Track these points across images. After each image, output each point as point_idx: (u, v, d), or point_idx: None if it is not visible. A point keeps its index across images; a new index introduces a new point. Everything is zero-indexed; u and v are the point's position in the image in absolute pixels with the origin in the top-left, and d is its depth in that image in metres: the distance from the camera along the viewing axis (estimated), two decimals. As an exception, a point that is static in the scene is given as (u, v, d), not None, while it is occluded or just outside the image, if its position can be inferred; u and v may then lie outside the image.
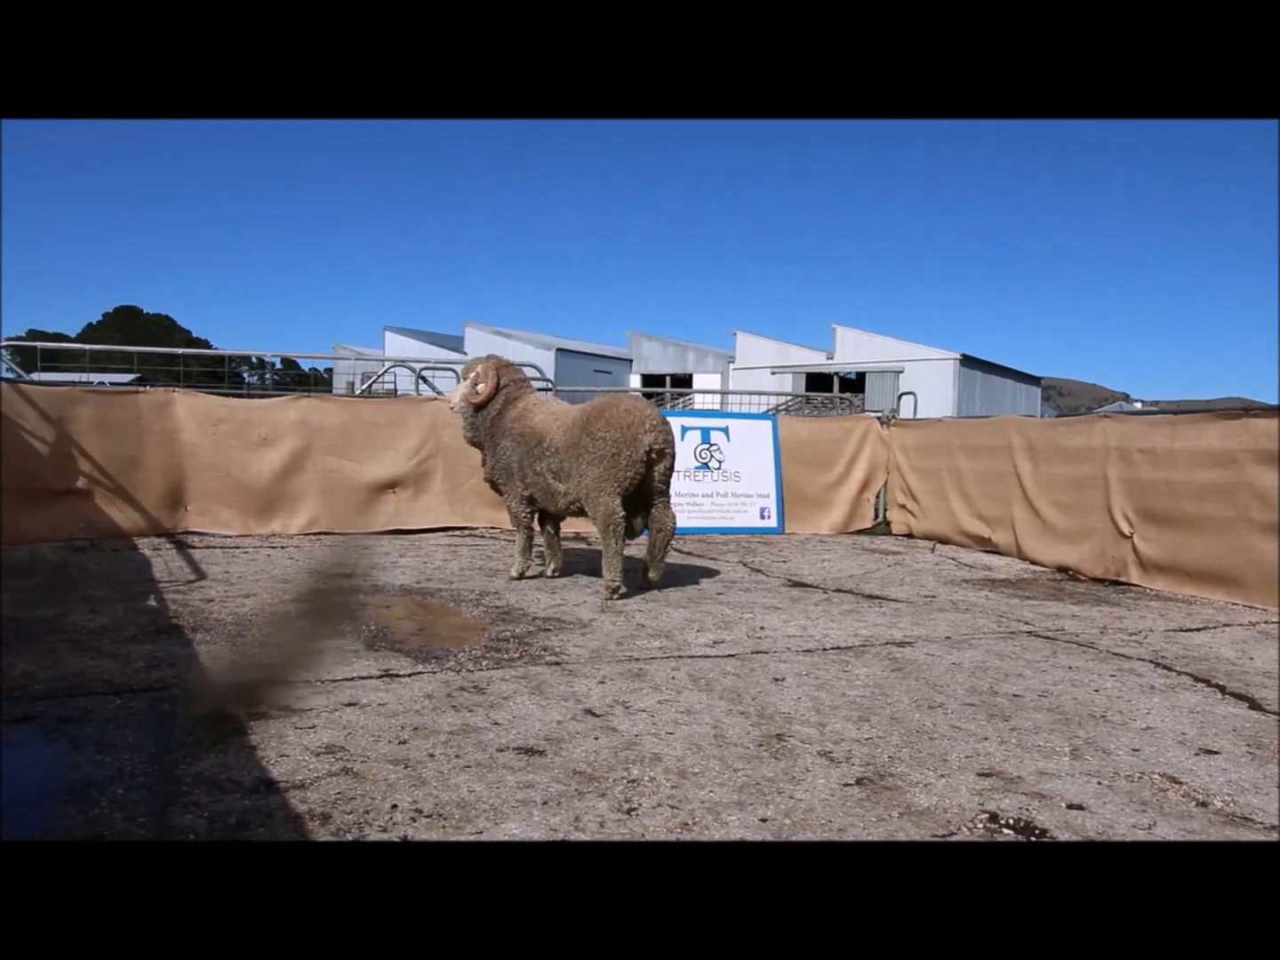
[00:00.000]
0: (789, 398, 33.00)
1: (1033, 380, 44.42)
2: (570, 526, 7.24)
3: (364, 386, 14.09)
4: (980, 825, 2.64)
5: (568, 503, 6.17)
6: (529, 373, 11.88)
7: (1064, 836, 2.58)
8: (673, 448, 6.10)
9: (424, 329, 49.22)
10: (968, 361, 37.06)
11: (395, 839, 2.43)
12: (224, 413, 8.53)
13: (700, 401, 28.87)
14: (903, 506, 10.23)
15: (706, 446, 9.85)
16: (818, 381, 39.88)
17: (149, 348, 11.22)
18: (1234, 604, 6.19)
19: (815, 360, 40.27)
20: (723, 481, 9.88)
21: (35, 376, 9.49)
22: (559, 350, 41.42)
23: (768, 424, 10.34)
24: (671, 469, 6.14)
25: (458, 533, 9.03)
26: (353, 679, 3.87)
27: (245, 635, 4.60)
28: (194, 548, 7.62)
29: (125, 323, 79.89)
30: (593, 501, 5.90)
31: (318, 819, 2.52)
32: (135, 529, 8.02)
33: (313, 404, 8.89)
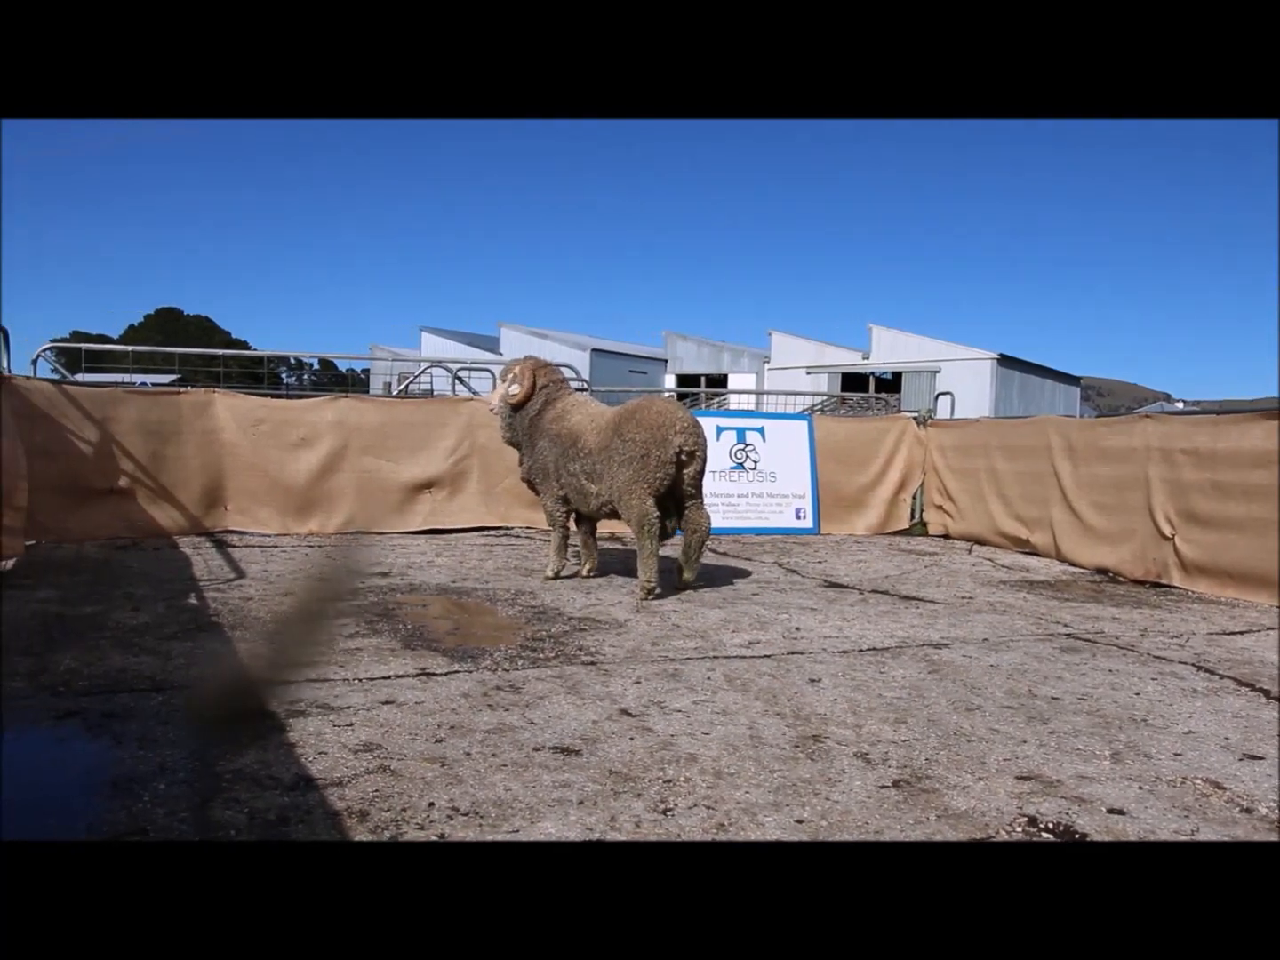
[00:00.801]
0: (824, 398, 32.89)
1: (1072, 380, 43.97)
2: (605, 527, 7.24)
3: (401, 387, 14.17)
4: (1019, 829, 2.61)
5: (599, 504, 6.19)
6: (565, 373, 11.95)
7: (1104, 841, 2.55)
8: (704, 450, 6.08)
9: (460, 329, 49.45)
10: (1005, 361, 36.74)
11: (432, 837, 2.45)
12: (263, 413, 8.62)
13: (735, 402, 28.81)
14: (939, 507, 10.16)
15: (742, 447, 9.84)
16: (853, 381, 39.67)
17: (189, 349, 11.35)
18: (1277, 606, 6.09)
19: (851, 360, 40.10)
20: (758, 482, 9.86)
21: (79, 377, 9.62)
22: (594, 350, 41.48)
23: (803, 424, 10.30)
24: (703, 471, 6.13)
25: (493, 532, 9.07)
26: (389, 677, 3.90)
27: (239, 635, 4.63)
28: (233, 546, 7.70)
29: (166, 324, 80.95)
30: (625, 503, 5.91)
31: (355, 816, 2.54)
32: (176, 528, 8.12)
33: (350, 404, 8.96)
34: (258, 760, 2.93)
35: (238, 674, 3.97)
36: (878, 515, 10.24)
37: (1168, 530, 6.98)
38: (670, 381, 44.43)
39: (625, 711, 3.56)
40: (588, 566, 6.72)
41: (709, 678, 4.07)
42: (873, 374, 39.66)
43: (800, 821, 2.62)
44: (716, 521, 9.47)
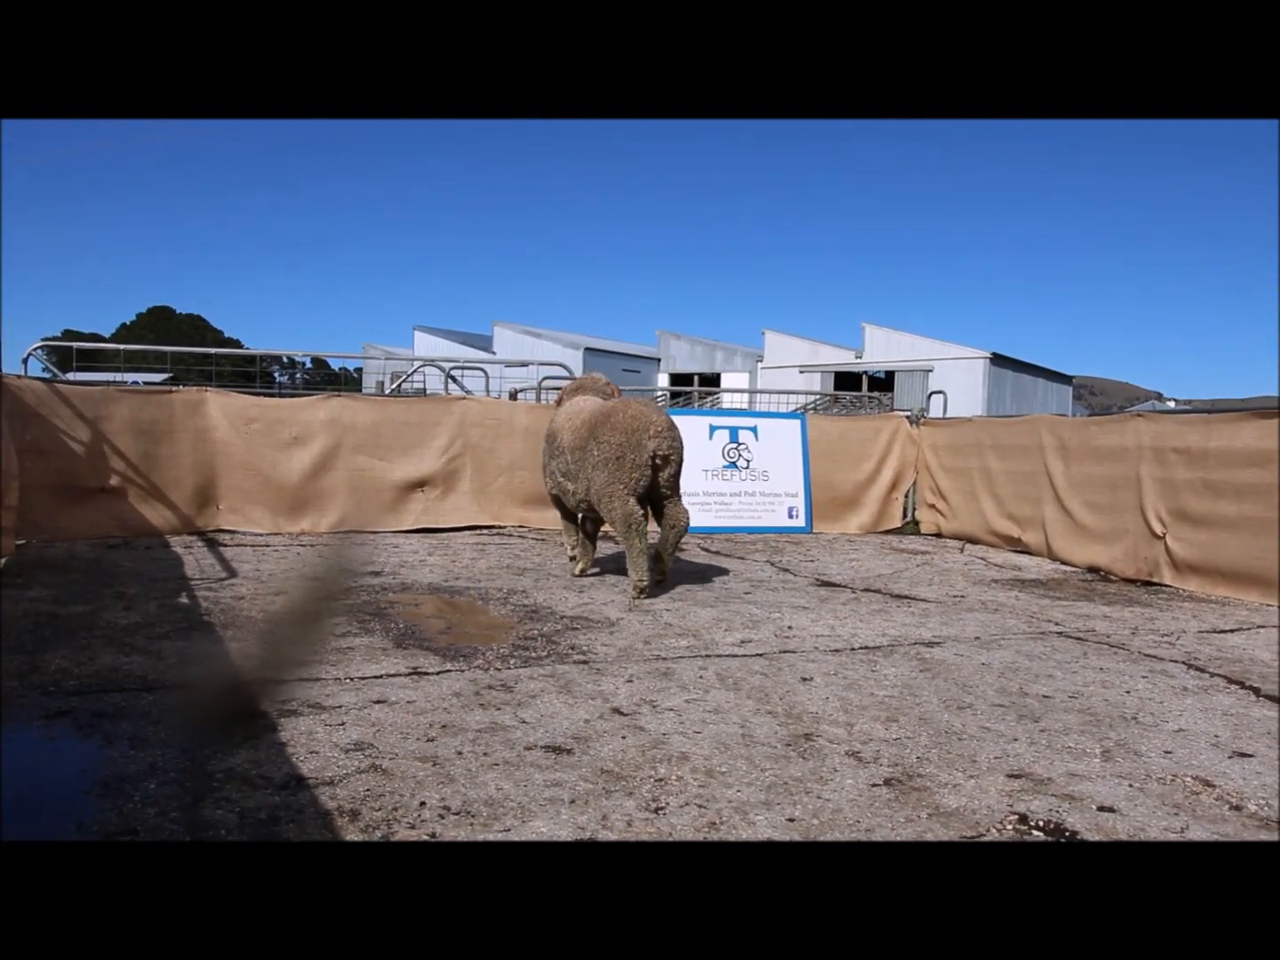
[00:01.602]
0: (817, 397, 32.94)
1: (1064, 379, 44.01)
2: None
3: (394, 386, 14.17)
4: (1010, 827, 2.62)
5: (576, 502, 6.32)
6: (558, 372, 11.96)
7: (1095, 839, 2.56)
8: (680, 452, 6.12)
9: (453, 328, 49.32)
10: (998, 360, 36.75)
11: (424, 836, 2.45)
12: (255, 412, 8.60)
13: (728, 401, 28.82)
14: (932, 506, 10.17)
15: (735, 446, 9.84)
16: (846, 380, 39.67)
17: (182, 347, 11.33)
18: (1269, 605, 6.12)
19: (844, 359, 40.07)
20: (751, 481, 9.86)
21: (71, 376, 9.60)
22: (587, 349, 41.40)
23: (796, 423, 10.31)
24: (678, 473, 6.17)
25: (486, 531, 9.07)
26: (381, 676, 3.90)
27: (234, 636, 4.63)
28: (225, 546, 7.69)
29: (158, 323, 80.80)
30: (606, 505, 5.96)
31: (347, 815, 2.54)
32: (168, 527, 8.11)
33: (343, 403, 8.95)
34: (249, 760, 2.92)
35: (233, 674, 3.97)
36: (870, 514, 10.25)
37: (1159, 529, 7.00)
38: (664, 380, 44.39)
39: (617, 710, 3.56)
40: (580, 566, 6.72)
41: (701, 676, 4.07)
42: (866, 373, 39.66)
43: (792, 820, 2.62)
44: (709, 520, 9.56)
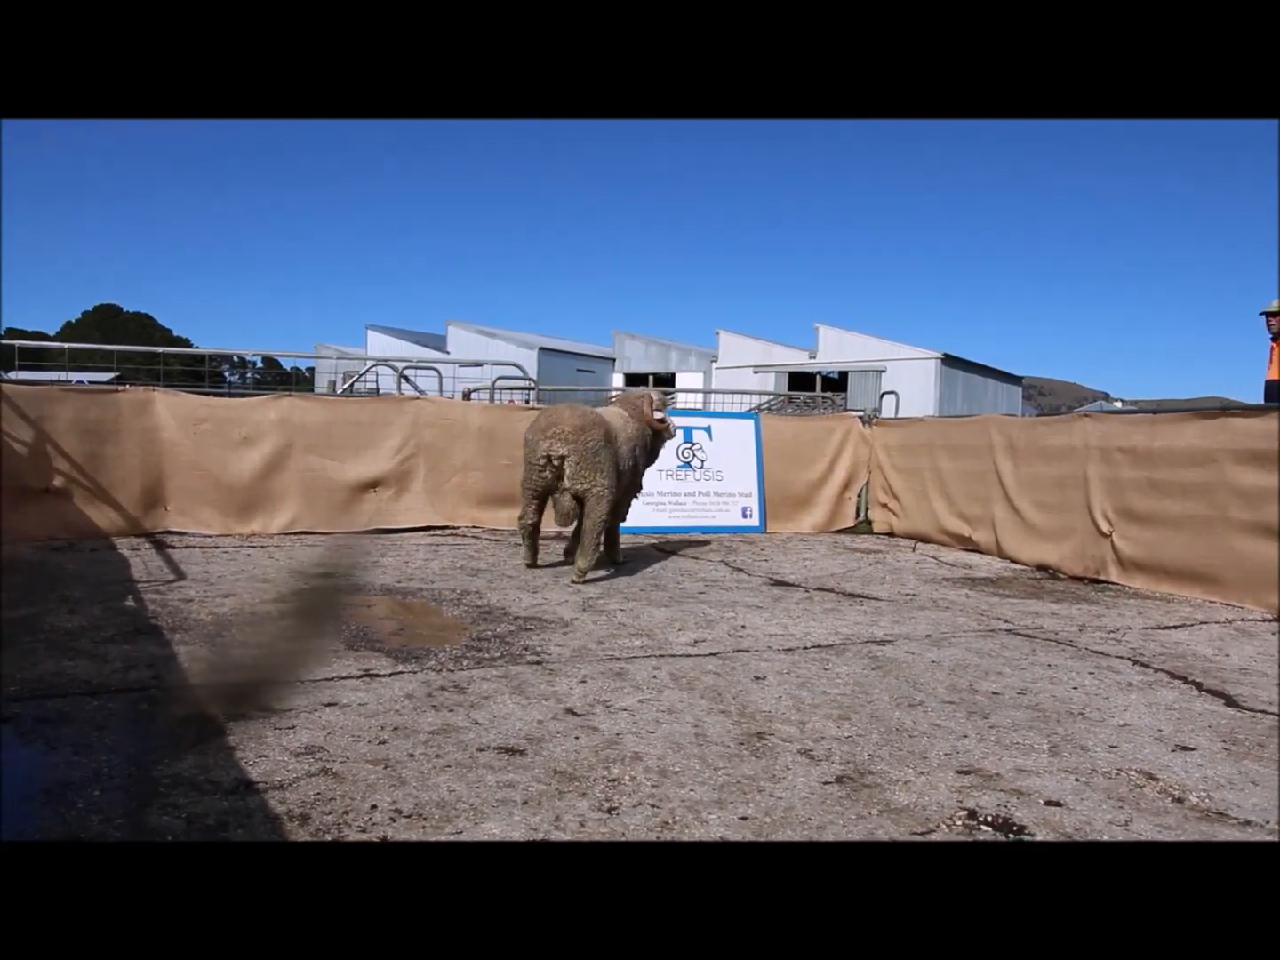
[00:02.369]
0: (771, 397, 33.06)
1: (1014, 380, 44.56)
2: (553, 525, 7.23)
3: (346, 385, 14.04)
4: (959, 822, 2.65)
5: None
6: (512, 372, 11.91)
7: (1042, 833, 2.59)
8: (579, 452, 6.34)
9: (407, 328, 48.97)
10: (949, 361, 37.13)
11: (374, 839, 2.43)
12: (205, 412, 8.48)
13: (683, 401, 28.84)
14: (884, 505, 10.26)
15: (689, 446, 9.85)
16: (800, 381, 39.87)
17: (129, 346, 11.14)
18: (1211, 602, 6.24)
19: (798, 359, 40.28)
20: (705, 480, 9.88)
21: (14, 375, 9.41)
22: (542, 349, 41.27)
23: (750, 423, 10.35)
24: (578, 473, 6.36)
25: (439, 532, 9.01)
26: (332, 679, 3.86)
27: (230, 636, 4.57)
28: (173, 548, 7.58)
29: (104, 321, 79.40)
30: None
31: (296, 820, 2.52)
32: (114, 529, 7.97)
33: (294, 403, 8.84)
34: (196, 765, 2.88)
35: (223, 676, 3.97)
36: (824, 514, 10.32)
37: (1106, 527, 7.12)
38: (619, 380, 44.36)
39: (571, 711, 3.56)
40: (528, 561, 6.95)
41: (655, 676, 4.08)
42: (819, 373, 39.90)
43: (744, 819, 2.63)
44: (663, 520, 9.57)
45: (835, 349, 39.04)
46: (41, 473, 7.67)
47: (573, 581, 6.39)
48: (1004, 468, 8.35)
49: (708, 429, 10.02)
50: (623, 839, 2.48)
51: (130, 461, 8.13)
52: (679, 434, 7.66)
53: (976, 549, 8.74)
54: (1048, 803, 2.81)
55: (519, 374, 12.26)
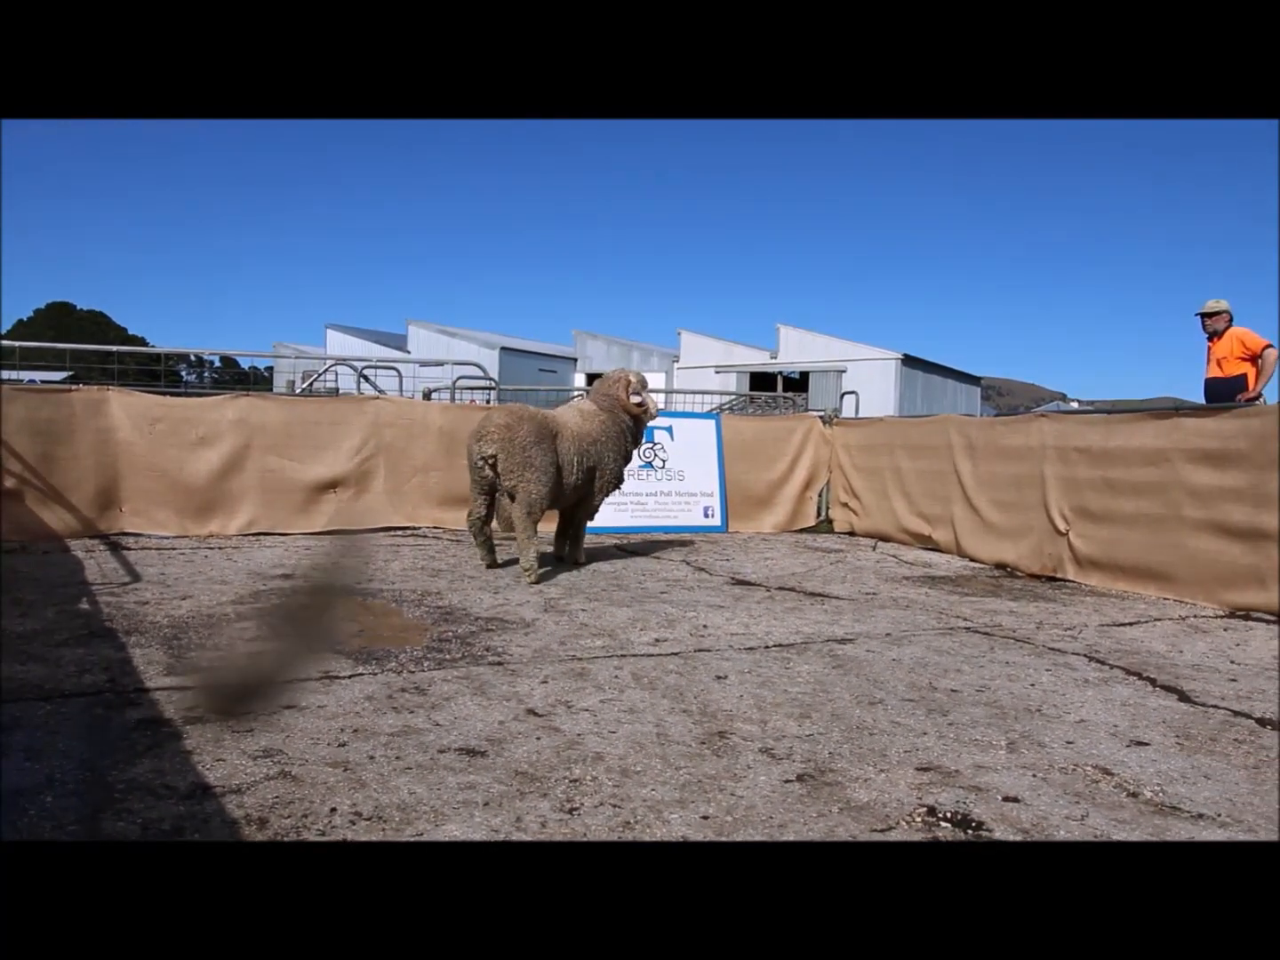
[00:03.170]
0: (733, 397, 33.15)
1: (973, 380, 44.97)
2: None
3: (305, 385, 13.91)
4: (919, 819, 2.67)
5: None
6: (473, 372, 11.86)
7: (1000, 828, 2.62)
8: (506, 448, 6.44)
9: (367, 327, 48.62)
10: (909, 361, 37.41)
11: (334, 841, 2.40)
12: (160, 411, 8.37)
13: (645, 400, 28.77)
14: (845, 505, 10.32)
15: (651, 446, 9.85)
16: (761, 381, 39.99)
17: (82, 345, 10.97)
18: (1165, 599, 6.34)
19: (759, 360, 40.41)
20: (666, 480, 9.89)
21: (-37, 374, 9.23)
22: (503, 349, 41.12)
23: (711, 423, 10.37)
24: (510, 469, 6.46)
25: (400, 532, 8.95)
26: (291, 681, 3.82)
27: (228, 638, 4.52)
28: (129, 549, 7.47)
29: (57, 319, 78.12)
30: None
31: (254, 824, 2.49)
32: (67, 530, 7.84)
33: (252, 402, 8.75)
34: (152, 769, 2.84)
35: (220, 677, 3.95)
36: (785, 513, 10.36)
37: (1062, 526, 7.20)
38: (580, 380, 44.28)
39: (532, 711, 3.55)
40: (487, 561, 7.02)
41: (616, 676, 4.07)
42: (780, 373, 40.05)
43: (706, 818, 2.64)
44: (625, 520, 9.58)
45: (796, 349, 39.22)
46: (-8, 473, 7.54)
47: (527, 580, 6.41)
48: (963, 467, 8.43)
49: (669, 429, 10.03)
50: (584, 839, 2.48)
51: (84, 462, 8.01)
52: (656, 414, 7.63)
53: (936, 548, 8.82)
54: (1006, 799, 2.84)
55: (480, 374, 12.21)
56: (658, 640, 4.79)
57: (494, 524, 7.01)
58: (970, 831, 2.60)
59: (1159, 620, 5.69)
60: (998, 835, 2.58)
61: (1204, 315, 8.52)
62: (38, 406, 7.85)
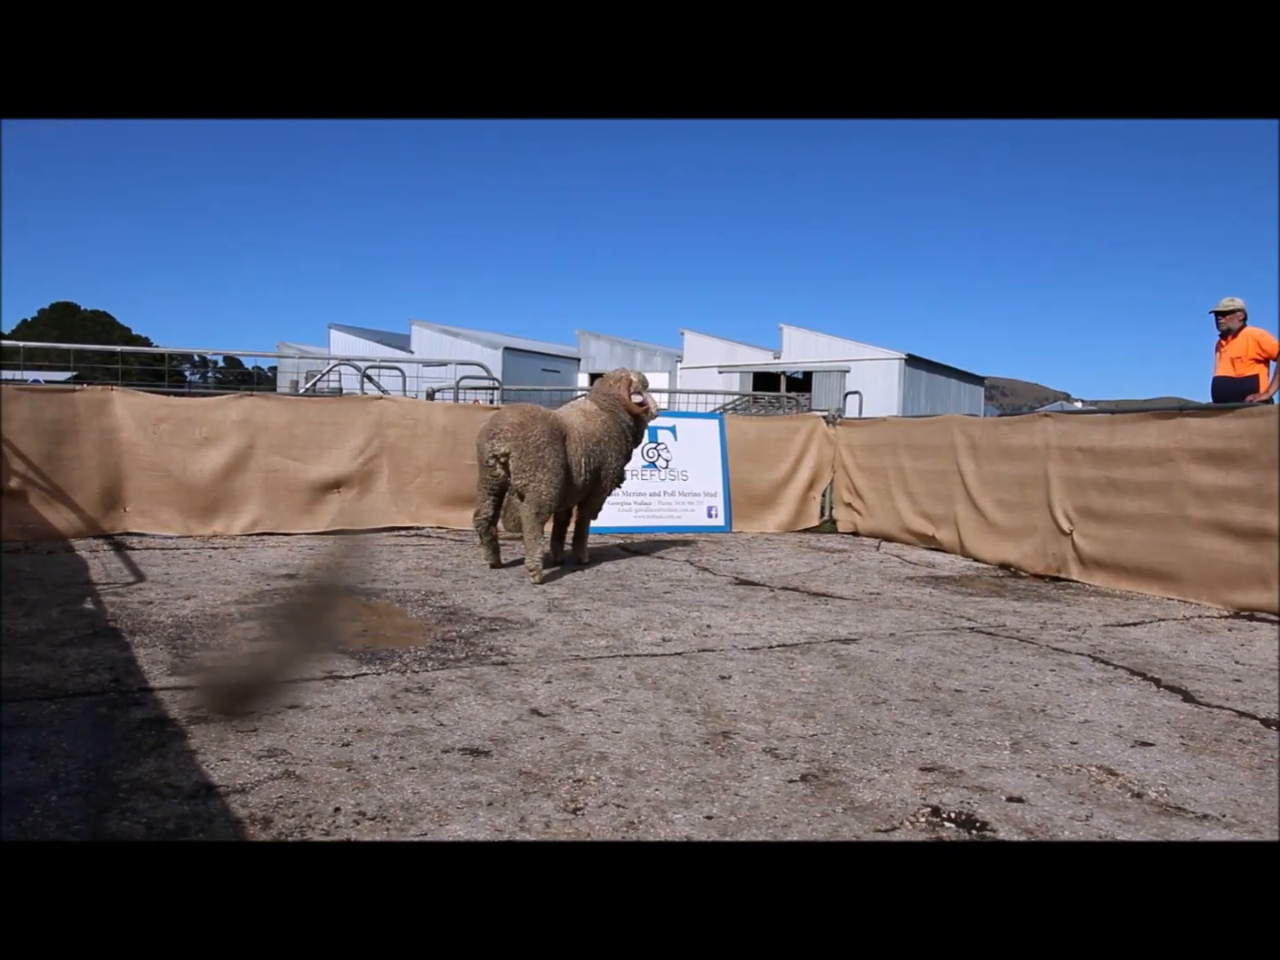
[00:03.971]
0: (736, 397, 33.15)
1: (976, 380, 44.95)
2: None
3: (308, 385, 13.92)
4: (922, 819, 2.67)
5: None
6: (476, 372, 11.86)
7: (1004, 829, 2.62)
8: (520, 447, 6.43)
9: (370, 327, 48.67)
10: (913, 361, 37.39)
11: (338, 841, 2.40)
12: (164, 411, 8.37)
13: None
14: (848, 505, 10.32)
15: (654, 446, 9.85)
16: (765, 381, 39.98)
17: (86, 345, 10.99)
18: (1169, 599, 6.33)
19: (762, 359, 40.40)
20: (670, 480, 9.89)
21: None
22: (506, 349, 41.14)
23: (715, 423, 10.37)
24: (523, 468, 6.45)
25: (403, 532, 8.96)
26: (295, 680, 3.82)
27: (232, 638, 4.52)
28: (133, 549, 7.48)
29: (62, 319, 78.31)
30: None
31: (259, 823, 2.49)
32: (72, 530, 7.85)
33: (256, 402, 8.76)
34: (156, 769, 2.85)
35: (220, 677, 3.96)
36: (788, 513, 10.36)
37: (1066, 526, 7.20)
38: (584, 380, 44.28)
39: (536, 711, 3.55)
40: (490, 561, 7.01)
41: (620, 676, 4.07)
42: (784, 373, 40.03)
43: (710, 818, 2.64)
44: (628, 520, 9.58)
45: (800, 349, 39.21)
46: (-3, 473, 7.55)
47: (532, 580, 6.41)
48: (966, 467, 8.42)
49: (673, 429, 10.02)
50: (588, 839, 2.48)
51: (88, 462, 8.02)
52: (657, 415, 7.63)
53: (940, 548, 8.81)
54: (1010, 799, 2.84)
55: (483, 374, 12.21)
56: (661, 640, 4.79)
57: (500, 524, 7.01)
58: (974, 832, 2.60)
59: (1163, 620, 5.69)
60: (1002, 836, 2.58)
61: (1218, 313, 8.43)
62: (42, 406, 7.85)
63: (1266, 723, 3.67)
